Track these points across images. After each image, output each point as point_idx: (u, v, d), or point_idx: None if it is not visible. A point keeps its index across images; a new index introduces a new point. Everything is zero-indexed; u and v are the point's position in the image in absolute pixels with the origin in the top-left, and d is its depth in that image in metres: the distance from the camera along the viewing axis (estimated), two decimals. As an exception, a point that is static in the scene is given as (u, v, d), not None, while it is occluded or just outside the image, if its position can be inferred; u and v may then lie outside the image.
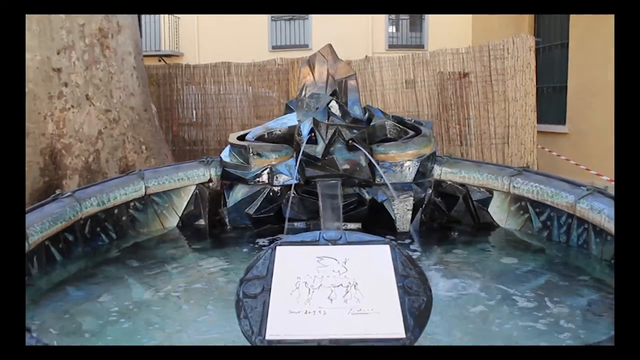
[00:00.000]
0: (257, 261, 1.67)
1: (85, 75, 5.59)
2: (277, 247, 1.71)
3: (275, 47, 15.04)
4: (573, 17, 7.65)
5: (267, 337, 1.42)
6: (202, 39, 15.12)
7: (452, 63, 7.14)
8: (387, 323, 1.46)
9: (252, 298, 1.54)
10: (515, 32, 7.66)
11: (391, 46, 15.03)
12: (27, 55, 5.41)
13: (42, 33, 5.37)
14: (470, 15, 11.10)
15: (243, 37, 14.31)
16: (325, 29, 14.39)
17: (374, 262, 1.67)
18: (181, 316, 2.02)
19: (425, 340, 1.72)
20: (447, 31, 12.96)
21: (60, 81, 5.51)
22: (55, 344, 1.65)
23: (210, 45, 14.39)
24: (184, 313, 2.05)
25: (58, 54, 5.45)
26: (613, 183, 5.96)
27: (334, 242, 1.74)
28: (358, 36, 14.46)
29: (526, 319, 1.94)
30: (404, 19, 15.53)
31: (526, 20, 8.56)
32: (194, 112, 8.34)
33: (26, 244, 2.18)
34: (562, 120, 7.92)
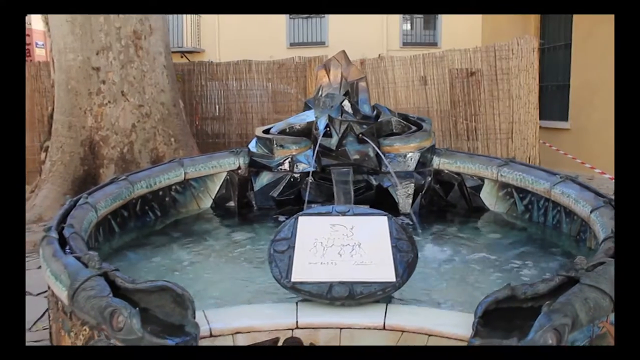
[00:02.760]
0: (283, 227, 2.15)
1: (121, 74, 6.11)
2: (300, 217, 2.19)
3: (293, 44, 15.49)
4: (576, 20, 8.03)
5: (292, 280, 1.90)
6: (223, 35, 15.63)
7: (460, 62, 7.55)
8: (382, 271, 1.93)
9: (281, 253, 2.02)
10: (521, 33, 8.05)
11: (405, 44, 15.40)
12: (70, 56, 5.97)
13: (83, 36, 5.90)
14: (480, 15, 11.46)
15: (262, 34, 14.77)
16: (341, 26, 14.82)
17: (374, 229, 2.14)
18: (218, 270, 2.53)
19: (418, 290, 2.21)
20: (459, 30, 13.32)
21: (99, 79, 6.05)
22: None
23: (231, 42, 14.88)
24: (220, 268, 2.55)
25: (97, 54, 5.99)
26: (603, 175, 6.33)
27: (343, 213, 2.22)
28: (373, 34, 14.85)
29: (500, 275, 2.40)
30: (418, 17, 15.87)
31: (532, 22, 8.94)
32: (217, 107, 8.82)
33: (95, 216, 2.68)
34: (564, 117, 8.32)
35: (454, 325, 1.71)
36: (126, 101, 6.13)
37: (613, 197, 2.68)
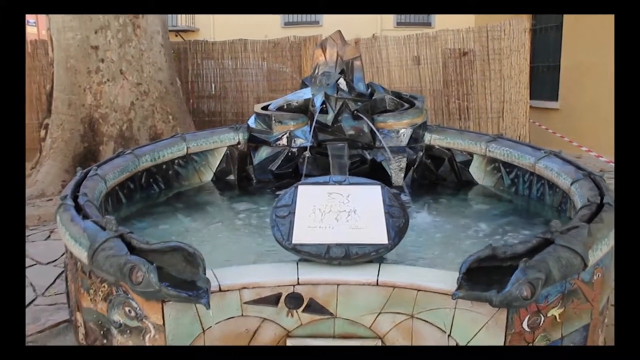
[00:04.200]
0: (284, 195, 2.31)
1: (119, 52, 6.20)
2: (299, 186, 2.35)
3: (287, 24, 15.49)
4: (567, 1, 8.17)
5: (293, 242, 2.06)
6: (217, 14, 15.58)
7: (453, 42, 7.68)
8: (375, 234, 2.10)
9: (282, 218, 2.19)
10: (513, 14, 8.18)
11: (399, 23, 15.42)
12: (69, 34, 6.05)
13: (81, 14, 5.97)
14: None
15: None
16: (335, 6, 14.80)
17: (368, 197, 2.30)
18: (221, 236, 2.70)
19: (409, 253, 2.38)
20: (453, 9, 13.37)
21: (98, 57, 6.14)
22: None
23: (225, 21, 14.86)
24: (223, 234, 2.73)
25: (96, 33, 6.07)
26: (590, 153, 6.52)
27: (340, 183, 2.39)
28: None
29: (486, 240, 2.58)
30: (413, -4, 15.87)
31: (524, 3, 9.07)
32: (213, 85, 8.92)
33: (105, 187, 2.83)
34: (554, 97, 8.50)
35: (441, 281, 1.88)
36: (125, 79, 6.23)
37: (594, 171, 2.86)
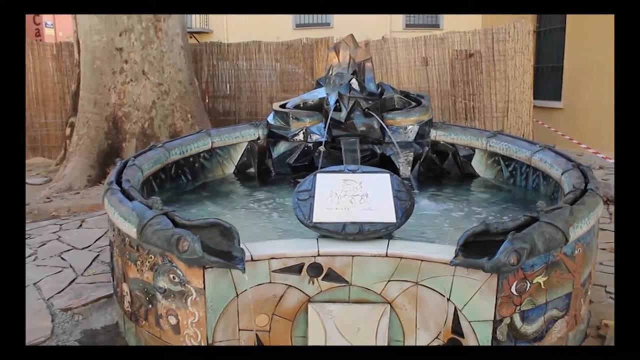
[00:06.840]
0: (304, 181, 2.62)
1: (142, 54, 6.55)
2: (318, 174, 2.66)
3: (299, 25, 15.84)
4: (570, 4, 8.43)
5: (314, 220, 2.37)
6: (231, 16, 15.95)
7: (460, 44, 7.97)
8: (385, 214, 2.40)
9: (303, 201, 2.50)
10: (519, 16, 8.44)
11: (408, 25, 15.73)
12: (95, 37, 6.40)
13: (107, 18, 6.33)
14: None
15: (269, 15, 15.07)
16: (345, 8, 15.12)
17: (379, 183, 2.61)
18: (246, 219, 3.03)
19: (416, 231, 2.68)
20: (461, 11, 13.65)
21: (122, 59, 6.48)
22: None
23: (239, 23, 15.23)
24: (248, 218, 3.05)
25: (120, 35, 6.42)
26: (588, 150, 6.77)
27: (354, 171, 2.70)
28: (377, 15, 15.13)
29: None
30: (421, -2, 16.17)
31: (529, 6, 9.34)
32: (228, 86, 9.25)
33: (141, 176, 3.16)
34: (557, 97, 8.76)
35: (441, 253, 2.18)
36: (147, 80, 6.57)
37: (593, 167, 3.15)
